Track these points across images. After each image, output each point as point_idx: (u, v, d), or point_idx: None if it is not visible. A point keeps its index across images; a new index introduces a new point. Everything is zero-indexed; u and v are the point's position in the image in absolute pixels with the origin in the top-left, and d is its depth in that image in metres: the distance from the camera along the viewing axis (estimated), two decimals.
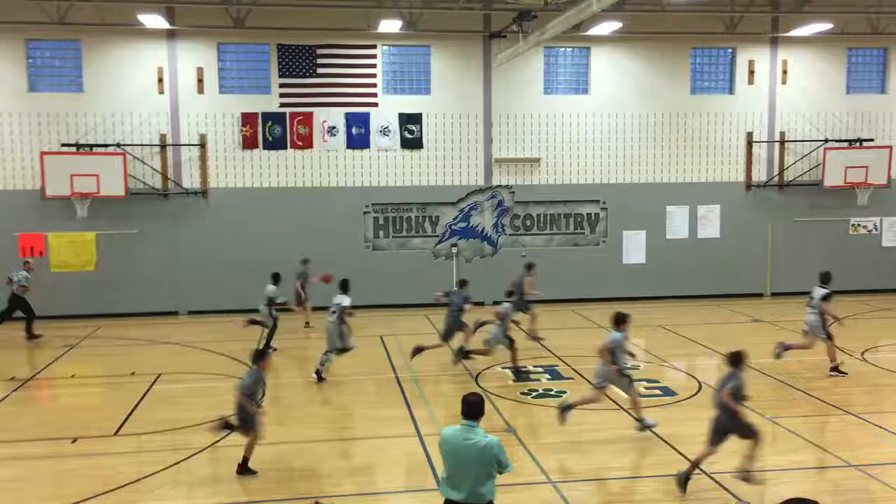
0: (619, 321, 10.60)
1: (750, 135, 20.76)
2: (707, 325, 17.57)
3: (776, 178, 20.86)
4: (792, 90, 20.61)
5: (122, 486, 8.87)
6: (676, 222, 20.83)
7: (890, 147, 20.50)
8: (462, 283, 14.88)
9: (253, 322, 15.59)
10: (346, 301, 13.28)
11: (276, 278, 15.44)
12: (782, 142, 20.80)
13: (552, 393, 12.57)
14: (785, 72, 20.53)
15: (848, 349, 15.10)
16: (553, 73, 20.45)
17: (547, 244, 20.61)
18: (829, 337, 13.50)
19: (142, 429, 10.88)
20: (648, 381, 13.25)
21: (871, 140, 20.72)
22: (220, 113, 19.37)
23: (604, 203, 20.58)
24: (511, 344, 13.72)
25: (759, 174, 20.94)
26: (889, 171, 20.38)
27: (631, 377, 10.78)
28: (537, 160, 20.34)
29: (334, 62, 19.50)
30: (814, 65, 20.72)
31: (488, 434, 6.26)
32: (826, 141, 20.51)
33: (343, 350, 13.43)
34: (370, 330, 17.73)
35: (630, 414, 10.99)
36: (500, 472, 6.29)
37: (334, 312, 13.29)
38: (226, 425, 9.24)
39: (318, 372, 13.35)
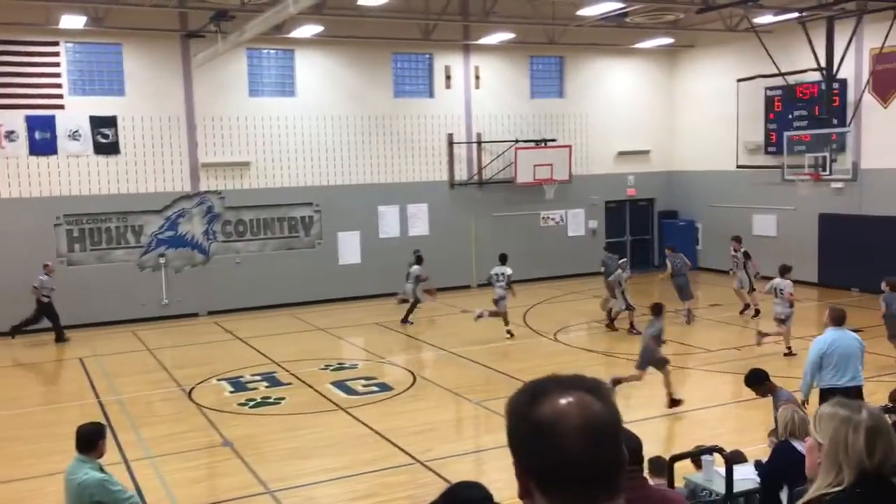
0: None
1: (450, 136, 22.17)
2: (420, 319, 18.34)
3: (476, 177, 22.50)
4: (485, 94, 22.35)
5: None
6: (388, 222, 21.63)
7: (570, 146, 23.01)
8: (675, 249, 17.80)
9: (404, 300, 17.98)
10: (509, 270, 16.18)
11: (419, 259, 17.98)
12: (479, 142, 22.48)
13: (271, 401, 12.52)
14: (478, 77, 22.19)
15: (542, 331, 16.77)
16: (258, 75, 20.26)
17: (261, 249, 20.40)
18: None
19: None
20: (366, 378, 13.65)
21: (554, 140, 23.13)
22: None
23: (317, 205, 20.80)
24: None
25: (461, 173, 22.45)
26: (570, 167, 22.87)
27: None
28: (247, 164, 20.04)
29: (8, 60, 17.63)
30: (502, 71, 22.65)
31: (93, 471, 5.88)
32: (517, 141, 22.52)
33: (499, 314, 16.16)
34: (68, 352, 16.38)
35: None
36: None
37: (500, 280, 16.02)
38: (616, 382, 11.18)
39: (509, 331, 16.11)
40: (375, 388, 13.05)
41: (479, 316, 16.30)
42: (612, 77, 24.13)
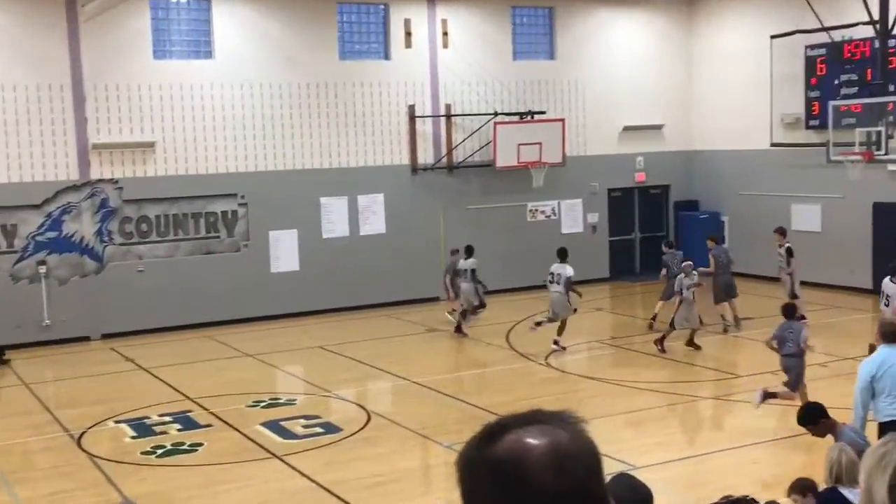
0: None
1: (412, 108, 22.10)
2: (376, 342, 18.43)
3: (445, 160, 22.46)
4: (455, 55, 22.31)
5: None
6: (334, 217, 21.51)
7: (562, 120, 23.06)
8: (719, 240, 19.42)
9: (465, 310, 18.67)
10: (568, 271, 16.83)
11: (469, 251, 18.88)
12: (448, 116, 22.44)
13: (185, 448, 12.40)
14: (445, 33, 22.14)
15: (529, 354, 16.76)
16: (165, 32, 20.05)
17: (171, 254, 20.17)
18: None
19: None
20: (307, 417, 13.61)
21: (543, 112, 23.16)
22: None
23: (243, 197, 20.64)
24: None
25: (426, 155, 22.39)
26: (563, 147, 22.91)
27: None
28: (151, 145, 19.83)
29: None
30: (476, 26, 22.65)
31: None
32: (496, 114, 22.52)
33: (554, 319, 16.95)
34: None
35: None
36: None
37: (556, 283, 16.85)
38: (769, 395, 11.88)
39: (556, 341, 16.76)
40: (319, 430, 12.96)
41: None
42: (616, 33, 24.24)
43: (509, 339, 18.13)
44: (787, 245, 18.05)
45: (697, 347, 16.45)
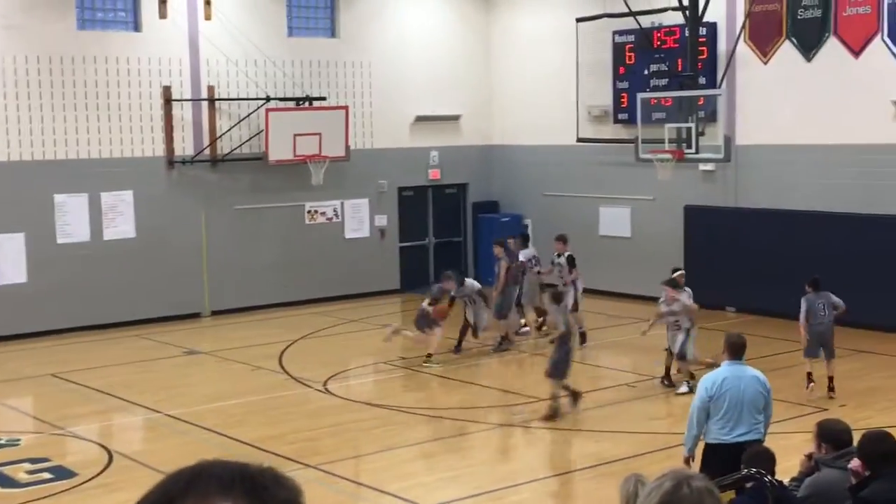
0: None
1: (168, 90, 21.68)
2: (123, 367, 18.05)
3: (207, 151, 22.13)
4: (219, 28, 21.98)
5: None
6: (71, 219, 20.98)
7: (346, 108, 23.15)
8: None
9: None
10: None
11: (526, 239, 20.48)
12: (212, 100, 22.16)
13: None
14: (208, 2, 21.77)
15: (306, 378, 16.74)
16: None
17: None
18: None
19: None
20: (33, 460, 13.21)
21: (323, 99, 23.19)
22: None
23: None
24: None
25: (185, 145, 22.04)
26: (347, 139, 22.99)
27: None
28: None
29: None
30: None
31: None
32: (268, 99, 22.37)
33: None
34: None
35: None
36: None
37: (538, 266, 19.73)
38: None
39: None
40: (48, 476, 12.63)
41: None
42: (407, 10, 24.62)
43: (282, 361, 18.01)
44: (568, 253, 18.98)
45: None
